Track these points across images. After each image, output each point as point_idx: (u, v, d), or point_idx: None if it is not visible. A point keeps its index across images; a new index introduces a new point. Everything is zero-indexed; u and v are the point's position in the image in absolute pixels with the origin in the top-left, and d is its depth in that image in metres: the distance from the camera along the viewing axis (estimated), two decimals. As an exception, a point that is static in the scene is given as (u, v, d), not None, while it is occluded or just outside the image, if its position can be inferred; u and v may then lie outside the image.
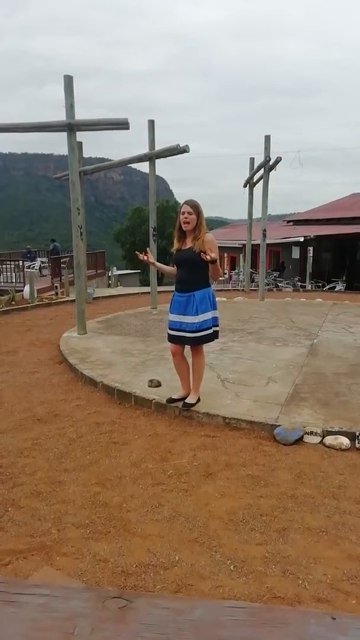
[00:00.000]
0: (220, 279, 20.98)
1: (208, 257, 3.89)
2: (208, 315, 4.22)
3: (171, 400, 4.58)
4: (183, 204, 4.12)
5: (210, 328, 4.25)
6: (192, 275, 4.16)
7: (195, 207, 4.05)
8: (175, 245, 4.21)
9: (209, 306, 4.23)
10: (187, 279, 4.18)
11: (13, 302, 11.68)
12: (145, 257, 4.36)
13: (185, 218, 4.03)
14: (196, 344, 4.32)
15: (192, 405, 4.44)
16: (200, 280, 4.18)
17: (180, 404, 4.51)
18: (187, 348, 4.44)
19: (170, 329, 4.35)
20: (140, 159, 10.04)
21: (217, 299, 4.48)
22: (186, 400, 4.46)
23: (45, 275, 18.50)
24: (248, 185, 13.80)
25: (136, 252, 4.51)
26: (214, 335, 4.35)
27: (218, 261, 4.08)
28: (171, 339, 4.39)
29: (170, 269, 4.41)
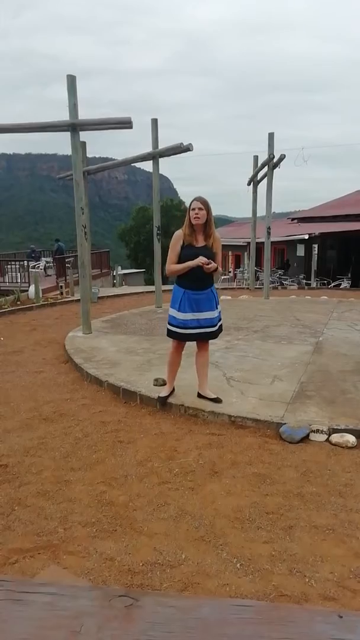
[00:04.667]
0: (224, 277, 21.02)
1: (211, 267, 4.11)
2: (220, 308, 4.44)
3: (164, 400, 4.60)
4: (193, 201, 4.18)
5: (220, 320, 4.46)
6: (204, 273, 4.23)
7: (205, 203, 4.15)
8: (187, 239, 4.18)
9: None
10: (206, 276, 4.23)
11: (18, 302, 11.72)
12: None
13: (196, 214, 4.11)
14: (216, 337, 4.45)
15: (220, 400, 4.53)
16: (212, 277, 4.35)
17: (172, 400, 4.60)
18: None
19: (186, 327, 4.26)
20: (144, 158, 10.03)
21: (221, 297, 4.54)
22: (218, 396, 4.56)
23: (50, 275, 18.55)
24: (252, 183, 13.77)
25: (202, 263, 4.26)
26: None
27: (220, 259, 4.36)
28: (187, 337, 4.35)
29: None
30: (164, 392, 4.68)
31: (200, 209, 4.11)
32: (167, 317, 4.44)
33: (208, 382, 4.66)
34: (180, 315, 4.26)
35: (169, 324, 4.38)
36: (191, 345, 4.58)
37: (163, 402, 4.60)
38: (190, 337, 4.37)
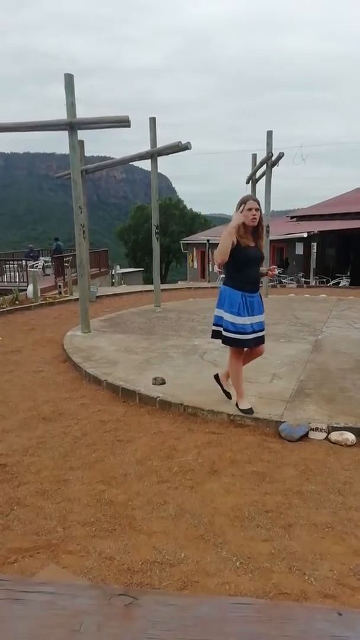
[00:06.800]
0: (222, 276, 21.04)
1: (275, 272, 4.19)
2: None
3: (251, 410, 4.31)
4: (249, 200, 3.98)
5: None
6: (259, 275, 4.20)
7: (259, 203, 4.05)
8: (244, 241, 3.97)
9: None
10: (258, 278, 4.19)
11: (17, 302, 11.70)
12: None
13: (254, 215, 3.93)
14: (264, 342, 4.29)
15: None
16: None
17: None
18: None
19: (245, 333, 4.03)
20: (142, 156, 10.02)
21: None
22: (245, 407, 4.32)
23: (49, 275, 18.52)
24: (250, 182, 13.76)
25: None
26: None
27: None
28: (248, 343, 4.12)
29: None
30: (244, 404, 4.31)
31: (257, 209, 3.94)
32: (166, 316, 4.42)
33: (204, 380, 4.64)
34: (239, 320, 4.00)
35: (227, 330, 4.05)
36: (189, 344, 4.56)
37: (251, 412, 4.27)
38: (250, 343, 4.10)
